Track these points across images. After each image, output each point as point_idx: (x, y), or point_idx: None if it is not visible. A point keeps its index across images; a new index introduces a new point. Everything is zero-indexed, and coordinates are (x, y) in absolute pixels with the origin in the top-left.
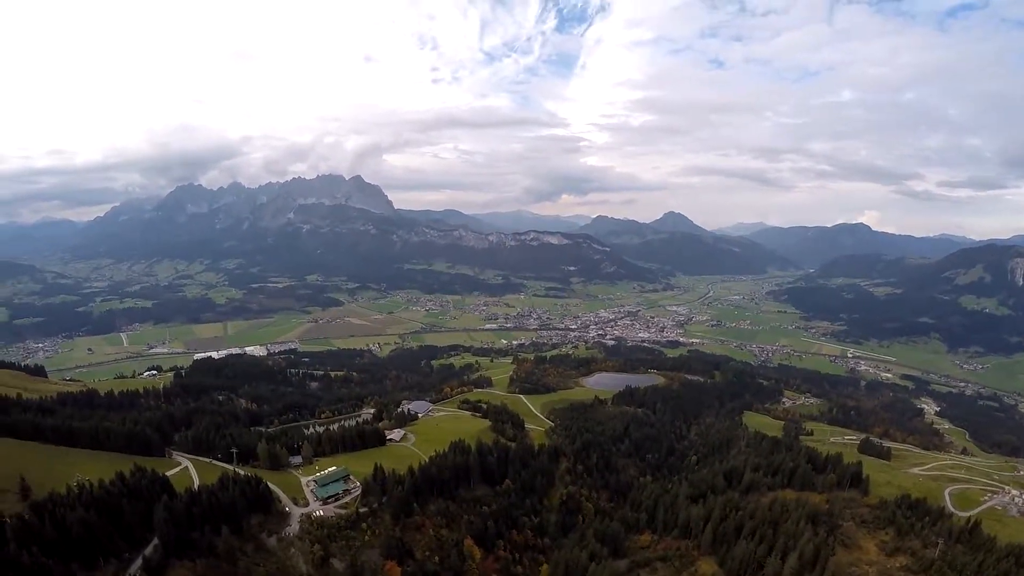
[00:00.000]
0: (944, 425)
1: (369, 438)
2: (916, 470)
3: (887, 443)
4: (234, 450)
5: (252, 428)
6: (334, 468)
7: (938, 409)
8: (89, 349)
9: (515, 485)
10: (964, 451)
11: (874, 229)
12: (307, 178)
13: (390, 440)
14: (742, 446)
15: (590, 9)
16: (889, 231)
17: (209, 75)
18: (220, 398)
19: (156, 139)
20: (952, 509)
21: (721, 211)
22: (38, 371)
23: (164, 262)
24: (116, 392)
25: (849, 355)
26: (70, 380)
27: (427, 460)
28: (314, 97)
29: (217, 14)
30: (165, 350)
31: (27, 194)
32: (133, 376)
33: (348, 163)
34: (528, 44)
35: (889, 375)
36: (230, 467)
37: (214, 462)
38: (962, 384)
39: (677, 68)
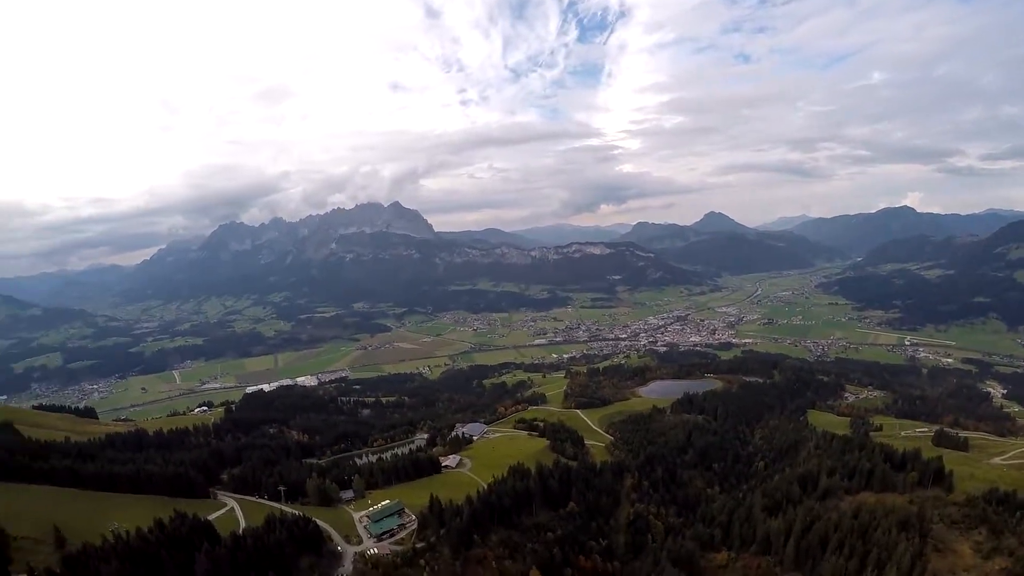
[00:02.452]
0: (1014, 408)
1: (423, 466)
2: (998, 460)
3: (961, 433)
4: (281, 488)
5: (304, 460)
6: (388, 502)
7: (1005, 391)
8: (143, 388)
9: (579, 507)
10: None
11: (919, 211)
12: (347, 208)
13: (445, 467)
14: (811, 448)
15: (610, 16)
16: (935, 211)
17: (241, 115)
18: (271, 431)
19: (195, 181)
20: None
21: (762, 207)
22: (88, 413)
23: (212, 299)
24: (165, 431)
25: (907, 343)
26: (123, 420)
27: (485, 487)
28: (347, 128)
29: (242, 57)
30: (217, 385)
31: (75, 243)
32: (184, 413)
33: (386, 190)
34: (552, 57)
35: (950, 360)
36: (277, 506)
37: (261, 501)
38: None
39: (703, 66)
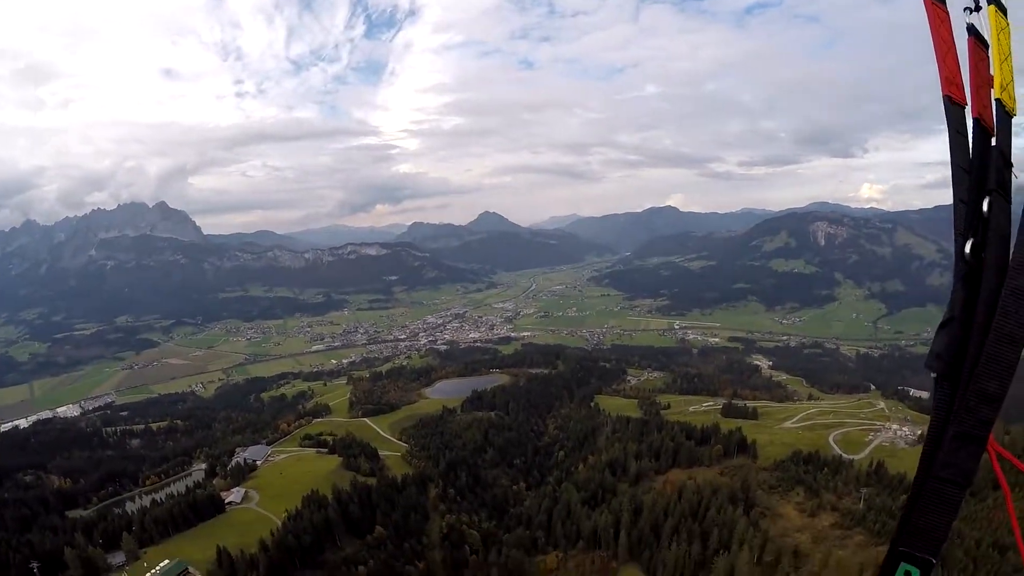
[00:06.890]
0: (782, 376)
1: (203, 508)
2: (789, 424)
3: (745, 403)
4: (34, 564)
5: (66, 513)
6: (166, 562)
7: (771, 363)
8: None
9: (387, 531)
10: (811, 397)
11: (682, 210)
12: (108, 209)
13: (229, 503)
14: (608, 432)
15: (399, 14)
16: (696, 210)
17: None
18: (27, 479)
19: None
20: (846, 455)
21: (535, 207)
22: None
23: None
24: None
25: (676, 327)
26: None
27: (280, 525)
28: (112, 118)
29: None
30: None
31: None
32: None
33: (151, 189)
34: (336, 52)
35: (717, 339)
36: None
37: None
38: (785, 338)
39: (487, 70)
